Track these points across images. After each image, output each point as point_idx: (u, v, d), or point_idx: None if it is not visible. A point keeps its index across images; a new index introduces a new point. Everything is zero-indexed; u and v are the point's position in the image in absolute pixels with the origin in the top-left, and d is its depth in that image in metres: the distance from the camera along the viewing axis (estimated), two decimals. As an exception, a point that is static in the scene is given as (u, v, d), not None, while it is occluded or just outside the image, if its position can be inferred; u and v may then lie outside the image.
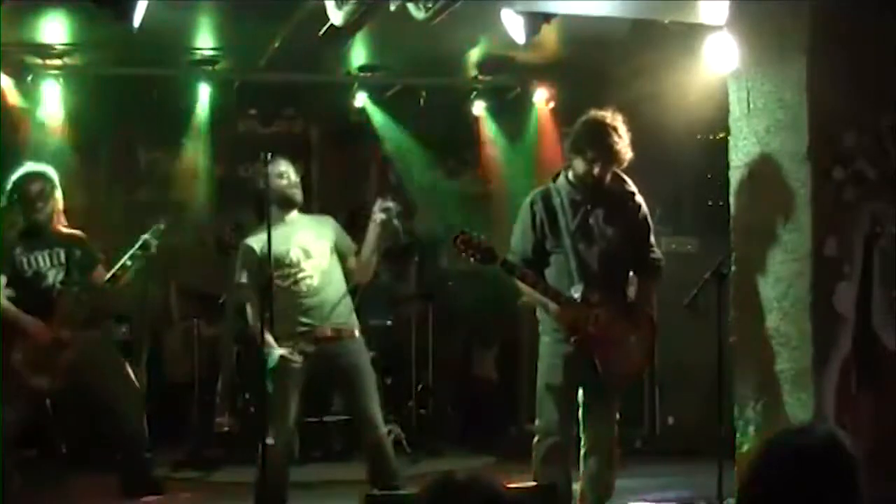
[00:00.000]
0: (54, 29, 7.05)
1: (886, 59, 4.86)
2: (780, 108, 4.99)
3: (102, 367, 5.90)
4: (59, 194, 5.89)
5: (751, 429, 5.17)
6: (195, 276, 8.13)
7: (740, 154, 5.22)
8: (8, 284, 5.74)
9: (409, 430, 7.53)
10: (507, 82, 8.60)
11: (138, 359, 7.57)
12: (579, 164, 5.02)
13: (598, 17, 5.89)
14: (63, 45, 7.35)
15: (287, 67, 7.89)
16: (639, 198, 5.21)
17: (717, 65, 5.45)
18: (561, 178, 5.14)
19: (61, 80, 7.74)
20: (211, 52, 7.76)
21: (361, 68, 8.18)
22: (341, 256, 5.51)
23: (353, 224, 6.19)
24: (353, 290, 5.53)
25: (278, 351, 5.21)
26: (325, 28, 6.29)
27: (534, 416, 5.23)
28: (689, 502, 5.92)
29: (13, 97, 7.68)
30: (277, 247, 5.25)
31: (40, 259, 5.82)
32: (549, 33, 6.17)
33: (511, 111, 8.82)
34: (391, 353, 7.77)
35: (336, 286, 5.41)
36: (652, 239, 5.26)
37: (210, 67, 8.01)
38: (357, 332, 5.47)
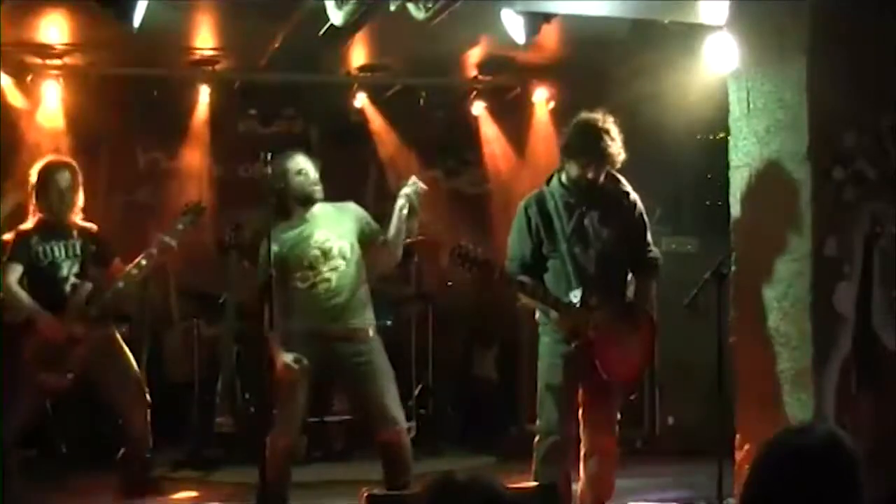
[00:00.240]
0: (54, 29, 7.05)
1: (886, 59, 4.86)
2: (780, 108, 4.99)
3: (113, 365, 5.88)
4: (80, 187, 5.88)
5: (750, 429, 5.17)
6: (195, 276, 8.12)
7: (740, 154, 5.23)
8: (23, 275, 5.73)
9: (409, 430, 7.52)
10: (507, 82, 8.60)
11: (138, 359, 7.55)
12: (572, 168, 5.01)
13: (598, 17, 5.89)
14: (63, 45, 7.35)
15: (287, 67, 7.89)
16: (633, 196, 5.19)
17: (717, 65, 5.45)
18: (554, 181, 5.12)
19: (61, 80, 7.75)
20: (211, 52, 7.76)
21: (361, 68, 8.18)
22: (366, 244, 5.39)
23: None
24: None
25: (283, 359, 5.19)
26: (325, 28, 6.29)
27: (534, 416, 5.22)
28: (689, 502, 5.92)
29: (13, 97, 7.68)
30: (296, 248, 5.25)
31: (56, 249, 5.80)
32: (549, 33, 6.18)
33: (511, 111, 8.82)
34: (391, 354, 7.74)
35: (354, 286, 5.33)
36: (649, 237, 5.24)
37: (210, 67, 8.01)
38: (372, 332, 5.38)
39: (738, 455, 5.22)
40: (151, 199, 8.71)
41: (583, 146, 4.96)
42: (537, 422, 5.14)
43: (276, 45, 7.20)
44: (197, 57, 7.82)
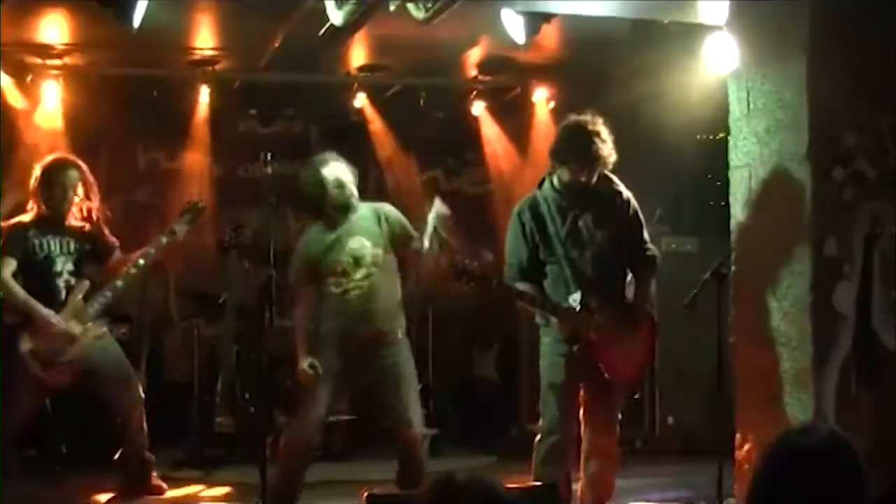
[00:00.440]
0: (54, 29, 7.05)
1: (886, 59, 4.86)
2: (780, 108, 4.99)
3: (109, 363, 5.88)
4: (82, 188, 5.89)
5: (750, 429, 5.17)
6: (195, 276, 8.12)
7: (740, 154, 5.23)
8: (17, 268, 5.73)
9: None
10: (507, 82, 8.59)
11: (138, 359, 7.56)
12: (564, 173, 4.99)
13: (598, 17, 5.89)
14: (63, 45, 7.35)
15: (287, 67, 7.89)
16: (626, 194, 5.16)
17: (717, 65, 5.45)
18: (546, 185, 5.10)
19: (61, 80, 7.74)
20: (211, 52, 7.76)
21: (361, 68, 8.17)
22: (399, 248, 5.43)
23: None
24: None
25: (301, 364, 5.23)
26: (325, 28, 6.29)
27: (534, 416, 5.22)
28: (690, 502, 5.92)
29: (13, 97, 7.68)
30: (331, 254, 5.29)
31: (52, 244, 5.81)
32: (549, 33, 6.18)
33: (511, 111, 8.82)
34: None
35: (387, 292, 5.37)
36: (645, 234, 5.23)
37: (210, 67, 8.01)
38: (401, 334, 5.43)
39: (738, 455, 5.22)
40: (151, 199, 8.71)
41: (573, 150, 4.95)
42: (539, 421, 5.14)
43: (276, 45, 7.19)
44: (197, 57, 7.82)
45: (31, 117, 7.84)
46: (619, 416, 5.25)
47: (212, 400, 7.59)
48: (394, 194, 9.10)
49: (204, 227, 8.47)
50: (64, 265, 5.80)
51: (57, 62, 7.58)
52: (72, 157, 5.97)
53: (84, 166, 5.92)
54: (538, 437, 5.10)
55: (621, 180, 5.20)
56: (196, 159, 8.67)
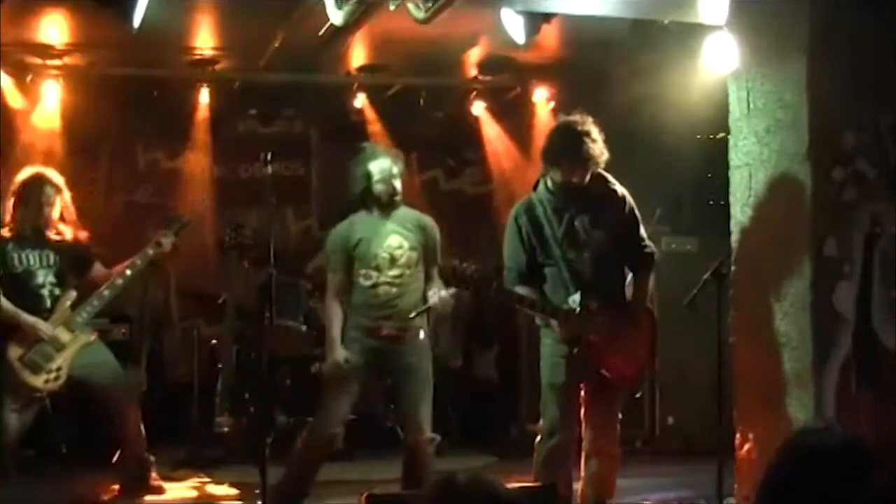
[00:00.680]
0: (54, 29, 7.05)
1: (886, 59, 4.86)
2: (780, 108, 4.99)
3: (100, 368, 5.89)
4: (60, 199, 5.89)
5: (750, 429, 5.17)
6: (195, 276, 8.12)
7: (740, 154, 5.22)
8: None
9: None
10: (507, 82, 8.60)
11: (138, 359, 7.56)
12: (556, 174, 4.98)
13: (598, 17, 5.89)
14: (63, 45, 7.34)
15: (287, 67, 7.89)
16: (622, 192, 5.16)
17: (717, 65, 5.45)
18: (541, 187, 5.10)
19: (61, 80, 7.74)
20: (211, 52, 7.76)
21: (361, 68, 8.17)
22: (426, 264, 5.48)
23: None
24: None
25: (336, 356, 5.24)
26: (325, 28, 6.29)
27: (534, 416, 5.22)
28: (690, 502, 5.92)
29: (13, 97, 7.67)
30: (368, 246, 5.33)
31: (31, 258, 5.82)
32: (549, 33, 6.17)
33: (511, 111, 8.82)
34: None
35: (413, 294, 5.41)
36: (642, 231, 5.22)
37: (210, 67, 8.00)
38: (422, 335, 5.46)
39: (739, 455, 5.22)
40: (151, 199, 8.71)
41: (564, 151, 4.94)
42: (540, 421, 5.14)
43: (276, 45, 7.19)
44: (197, 57, 7.82)
45: (31, 117, 7.84)
46: (620, 416, 5.25)
47: (212, 400, 7.59)
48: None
49: (204, 227, 8.50)
50: (46, 277, 5.81)
51: (57, 62, 7.58)
52: (48, 172, 5.95)
53: (60, 180, 5.91)
54: (539, 438, 5.10)
55: (621, 180, 5.20)
56: (196, 159, 8.67)
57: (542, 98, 8.58)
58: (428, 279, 5.46)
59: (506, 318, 8.17)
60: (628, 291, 5.20)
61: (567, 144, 4.92)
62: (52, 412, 6.70)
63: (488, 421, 8.15)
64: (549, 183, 5.05)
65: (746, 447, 5.16)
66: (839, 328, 4.84)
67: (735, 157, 5.26)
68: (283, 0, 6.36)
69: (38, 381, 5.65)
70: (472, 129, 8.96)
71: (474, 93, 8.70)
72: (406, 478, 5.41)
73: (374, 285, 5.34)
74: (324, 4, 5.70)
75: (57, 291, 5.80)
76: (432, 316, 5.52)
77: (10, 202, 5.83)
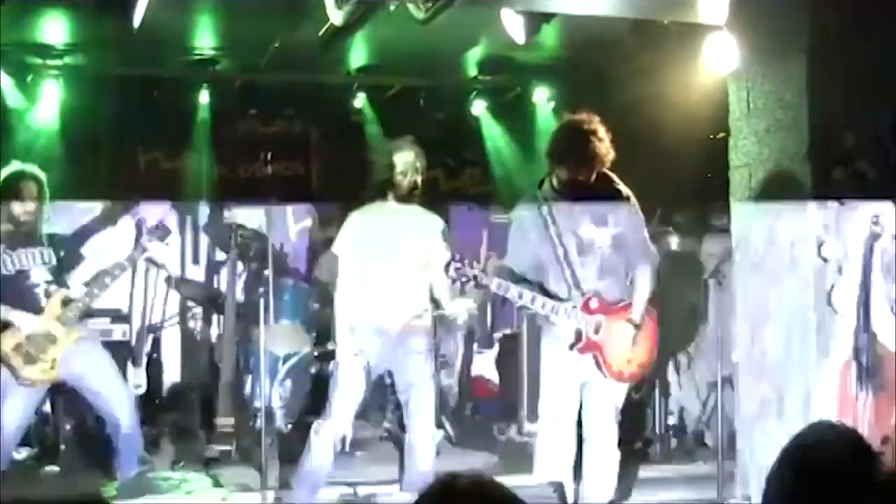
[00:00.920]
0: (54, 29, 7.05)
1: (886, 59, 4.86)
2: (780, 108, 4.99)
3: (93, 367, 5.87)
4: (47, 194, 5.88)
5: (751, 429, 5.17)
6: (195, 276, 8.12)
7: (740, 154, 5.23)
8: None
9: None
10: (507, 82, 8.60)
11: (138, 359, 7.55)
12: (562, 172, 4.98)
13: (598, 17, 5.89)
14: (63, 45, 7.35)
15: (287, 67, 7.89)
16: (626, 192, 5.15)
17: (717, 65, 5.45)
18: (546, 186, 5.10)
19: (61, 80, 7.74)
20: (211, 52, 7.76)
21: (361, 69, 8.17)
22: (429, 264, 5.49)
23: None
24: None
25: (348, 352, 5.25)
26: (325, 28, 6.29)
27: (534, 415, 5.22)
28: (690, 502, 5.91)
29: (13, 97, 7.67)
30: (380, 240, 5.33)
31: (24, 258, 5.81)
32: (549, 33, 6.17)
33: (511, 111, 8.82)
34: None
35: (418, 292, 5.43)
36: (646, 233, 5.24)
37: (210, 67, 8.00)
38: (426, 328, 5.48)
39: (738, 455, 5.23)
40: (151, 200, 8.70)
41: (570, 149, 4.94)
42: (538, 421, 5.14)
43: (276, 45, 7.19)
44: (197, 57, 7.82)
45: (31, 117, 7.84)
46: (620, 416, 5.24)
47: (212, 400, 7.59)
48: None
49: (204, 227, 8.51)
50: (41, 276, 5.81)
51: (57, 62, 7.58)
52: (28, 168, 5.94)
53: (42, 175, 5.90)
54: (538, 437, 5.10)
55: (621, 179, 5.20)
56: (196, 159, 8.67)
57: (542, 98, 8.58)
58: (433, 279, 5.47)
59: (506, 319, 8.17)
60: (630, 291, 5.21)
61: (573, 142, 4.92)
62: (52, 412, 6.71)
63: (488, 421, 8.14)
64: (555, 181, 5.05)
65: (747, 447, 5.16)
66: (839, 328, 4.85)
67: (735, 157, 5.26)
68: (283, 0, 6.36)
69: (33, 371, 5.65)
70: (472, 129, 8.96)
71: (474, 93, 8.69)
72: (407, 475, 5.40)
73: (383, 279, 5.34)
74: (324, 4, 5.70)
75: (52, 289, 5.79)
76: (443, 321, 5.52)
77: None
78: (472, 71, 8.29)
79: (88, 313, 5.95)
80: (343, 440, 5.34)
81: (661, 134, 7.32)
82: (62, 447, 7.02)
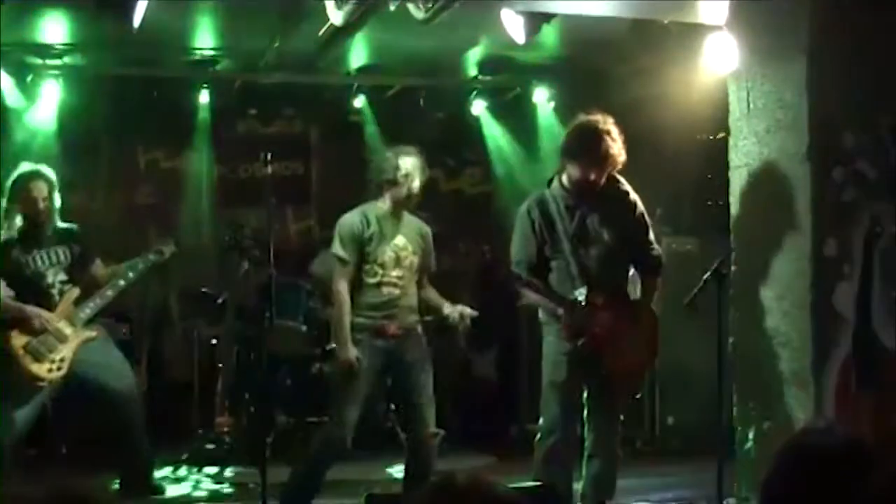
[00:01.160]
0: (54, 29, 7.04)
1: (886, 58, 4.86)
2: (780, 108, 4.99)
3: (103, 367, 5.88)
4: (57, 193, 5.89)
5: (751, 429, 5.17)
6: (195, 276, 8.12)
7: (740, 154, 5.23)
8: (8, 285, 5.73)
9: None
10: (507, 82, 8.59)
11: (138, 359, 7.56)
12: (574, 170, 5.02)
13: (598, 17, 5.89)
14: (63, 45, 7.34)
15: (287, 67, 7.89)
16: (633, 196, 5.20)
17: (717, 65, 5.45)
18: (555, 184, 5.14)
19: (61, 80, 7.74)
20: (211, 52, 7.75)
21: (361, 69, 8.17)
22: (420, 271, 5.53)
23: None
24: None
25: (349, 354, 5.24)
26: (325, 28, 6.29)
27: (534, 416, 5.23)
28: (690, 502, 5.92)
29: (13, 97, 7.67)
30: (378, 241, 5.34)
31: (38, 259, 5.82)
32: (549, 33, 6.17)
33: (511, 111, 8.82)
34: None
35: (411, 299, 5.46)
36: (651, 236, 5.25)
37: (210, 67, 8.00)
38: (420, 329, 5.51)
39: (739, 455, 5.23)
40: (151, 199, 8.70)
41: (584, 148, 4.98)
42: (539, 420, 5.15)
43: (276, 45, 7.19)
44: (197, 57, 7.81)
45: (31, 117, 7.84)
46: (622, 415, 5.26)
47: (212, 400, 7.59)
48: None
49: (204, 227, 8.50)
50: (56, 276, 5.81)
51: (57, 62, 7.58)
52: (38, 167, 5.95)
53: (52, 175, 5.90)
54: (538, 437, 5.11)
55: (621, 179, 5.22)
56: (196, 159, 8.67)
57: (542, 98, 8.57)
58: (420, 287, 5.50)
59: (506, 319, 8.17)
60: (632, 291, 5.23)
61: (587, 141, 4.97)
62: (52, 412, 6.71)
63: (488, 421, 8.15)
64: (565, 180, 5.09)
65: (747, 447, 5.16)
66: (839, 328, 4.85)
67: (735, 157, 5.26)
68: (283, 0, 6.36)
69: (41, 369, 5.65)
70: (472, 129, 8.95)
71: (474, 93, 8.69)
72: (410, 475, 5.41)
73: (379, 284, 5.34)
74: (324, 4, 5.70)
75: (66, 289, 5.80)
76: (440, 325, 5.55)
77: (5, 204, 5.82)
78: (472, 71, 8.28)
79: (102, 314, 5.94)
80: (344, 440, 5.32)
81: (661, 134, 7.32)
82: (65, 446, 7.04)
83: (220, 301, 7.54)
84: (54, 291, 5.79)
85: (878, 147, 4.87)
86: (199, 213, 8.69)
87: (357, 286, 5.35)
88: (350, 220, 5.40)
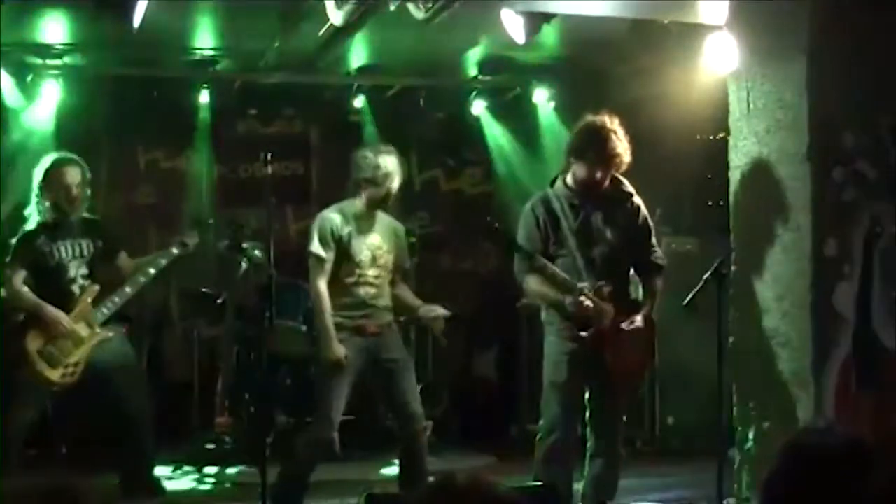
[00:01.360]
0: (54, 29, 7.04)
1: (886, 58, 4.86)
2: (780, 108, 4.99)
3: (117, 369, 5.83)
4: (86, 182, 5.85)
5: (751, 429, 5.17)
6: (195, 276, 8.12)
7: (740, 154, 5.23)
8: (30, 275, 5.70)
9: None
10: (507, 82, 8.59)
11: (139, 359, 7.55)
12: (580, 169, 5.03)
13: (598, 17, 5.89)
14: (63, 45, 7.34)
15: (287, 67, 7.89)
16: (637, 199, 5.22)
17: (717, 65, 5.45)
18: (559, 183, 5.16)
19: (61, 80, 7.73)
20: (211, 52, 7.75)
21: (361, 69, 8.17)
22: (394, 270, 5.56)
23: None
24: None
25: (337, 352, 5.22)
26: (325, 28, 6.29)
27: (534, 415, 5.23)
28: (690, 502, 5.92)
29: (13, 97, 7.67)
30: (355, 240, 5.33)
31: (63, 250, 5.75)
32: (549, 33, 6.17)
33: (511, 111, 8.82)
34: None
35: (385, 299, 5.47)
36: (653, 239, 5.27)
37: (210, 67, 8.00)
38: (394, 325, 5.54)
39: (738, 455, 5.23)
40: (151, 199, 8.70)
41: (592, 146, 5.00)
42: (541, 420, 5.15)
43: (276, 45, 7.19)
44: (197, 57, 7.81)
45: (31, 117, 7.83)
46: (624, 415, 5.27)
47: (212, 400, 7.59)
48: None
49: (204, 227, 8.49)
50: (77, 270, 5.76)
51: (57, 62, 7.57)
52: (70, 154, 5.92)
53: (83, 163, 5.88)
54: (539, 437, 5.11)
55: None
56: (196, 159, 8.67)
57: (542, 98, 8.57)
58: (393, 285, 5.53)
59: (506, 319, 8.17)
60: (633, 292, 5.24)
61: (594, 140, 4.99)
62: (52, 412, 6.70)
63: (488, 421, 8.15)
64: (569, 179, 5.12)
65: (746, 447, 5.16)
66: (839, 328, 4.85)
67: (735, 157, 5.26)
68: (283, 0, 6.35)
69: (54, 374, 5.63)
70: (472, 129, 8.95)
71: (474, 93, 8.69)
72: (407, 473, 5.40)
73: (356, 283, 5.35)
74: (324, 4, 5.70)
75: (86, 285, 5.76)
76: (417, 325, 5.58)
77: (36, 193, 5.74)
78: (472, 71, 8.28)
79: (118, 313, 5.91)
80: (332, 441, 5.32)
81: (661, 134, 7.32)
82: (65, 446, 7.04)
83: (220, 301, 7.54)
84: (75, 287, 5.73)
85: (878, 147, 4.87)
86: (200, 213, 8.68)
87: (334, 285, 5.33)
88: (328, 218, 5.39)
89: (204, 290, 7.68)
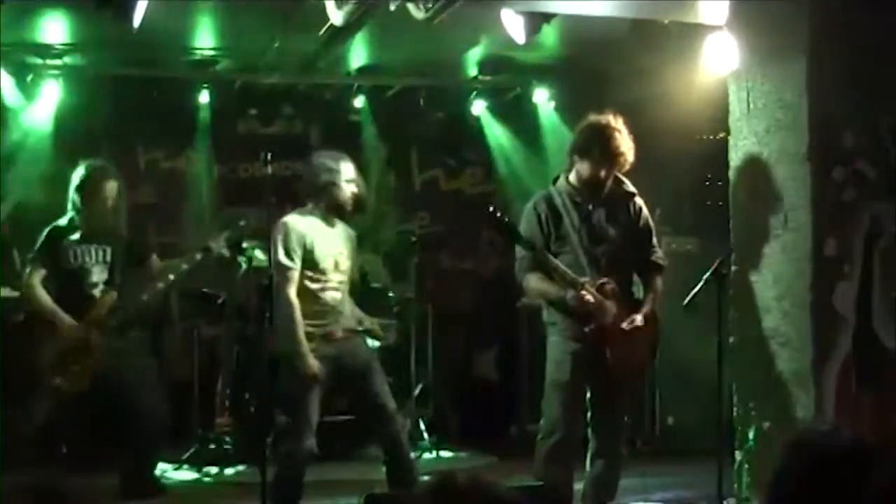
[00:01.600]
0: (54, 29, 7.04)
1: (886, 59, 4.86)
2: (780, 108, 4.99)
3: (129, 376, 5.81)
4: (121, 193, 5.86)
5: (751, 429, 5.17)
6: (195, 276, 8.11)
7: (740, 154, 5.23)
8: (51, 277, 5.70)
9: (409, 430, 7.51)
10: (507, 82, 8.59)
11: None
12: (584, 167, 5.04)
13: (598, 17, 5.89)
14: (63, 45, 7.34)
15: (287, 67, 7.89)
16: (639, 200, 5.23)
17: (717, 65, 5.45)
18: (561, 181, 5.17)
19: (61, 80, 7.73)
20: (211, 53, 7.75)
21: (361, 69, 8.17)
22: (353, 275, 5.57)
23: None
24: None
25: (313, 364, 5.20)
26: (325, 28, 6.29)
27: (534, 415, 5.23)
28: (690, 502, 5.92)
29: (13, 97, 7.67)
30: (319, 248, 5.29)
31: (88, 254, 5.77)
32: (549, 33, 6.17)
33: (511, 111, 8.82)
34: (391, 354, 7.75)
35: (348, 304, 5.47)
36: (654, 240, 5.28)
37: (210, 67, 8.00)
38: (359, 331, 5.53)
39: (738, 455, 5.23)
40: (151, 199, 8.70)
41: (596, 144, 5.01)
42: (542, 420, 5.15)
43: (276, 46, 7.19)
44: (197, 57, 7.81)
45: (31, 117, 7.83)
46: (625, 415, 5.28)
47: (212, 400, 7.59)
48: (393, 194, 9.12)
49: (204, 228, 8.49)
50: (99, 275, 5.77)
51: (57, 62, 7.57)
52: (109, 165, 5.94)
53: (117, 175, 5.91)
54: (539, 436, 5.11)
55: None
56: (196, 159, 8.66)
57: (542, 98, 8.57)
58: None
59: (506, 319, 8.17)
60: (634, 291, 5.24)
61: (599, 138, 5.01)
62: (55, 414, 6.69)
63: (488, 421, 8.15)
64: (572, 177, 5.13)
65: (746, 447, 5.16)
66: (839, 328, 4.85)
67: (735, 157, 5.27)
68: (283, 0, 6.35)
69: (63, 383, 5.63)
70: (472, 129, 8.96)
71: (474, 93, 8.69)
72: (395, 472, 5.37)
73: (322, 289, 5.30)
74: (324, 4, 5.70)
75: (105, 291, 5.75)
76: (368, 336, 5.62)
77: (73, 196, 5.75)
78: (472, 71, 8.28)
79: (135, 319, 5.90)
80: (312, 448, 5.30)
81: (661, 134, 7.31)
82: (63, 447, 7.03)
83: (220, 301, 7.54)
84: (95, 292, 5.74)
85: (878, 147, 4.88)
86: (200, 212, 8.68)
87: (300, 294, 5.25)
88: (293, 225, 5.30)
89: (204, 290, 7.67)
